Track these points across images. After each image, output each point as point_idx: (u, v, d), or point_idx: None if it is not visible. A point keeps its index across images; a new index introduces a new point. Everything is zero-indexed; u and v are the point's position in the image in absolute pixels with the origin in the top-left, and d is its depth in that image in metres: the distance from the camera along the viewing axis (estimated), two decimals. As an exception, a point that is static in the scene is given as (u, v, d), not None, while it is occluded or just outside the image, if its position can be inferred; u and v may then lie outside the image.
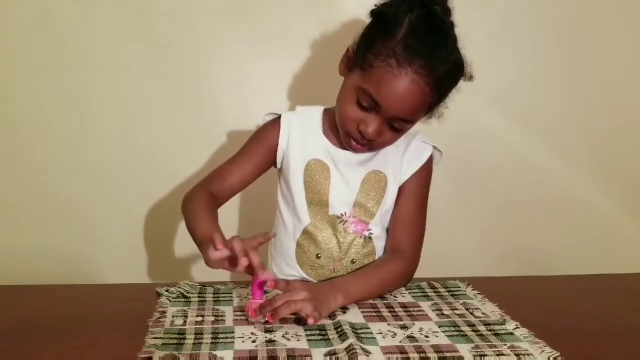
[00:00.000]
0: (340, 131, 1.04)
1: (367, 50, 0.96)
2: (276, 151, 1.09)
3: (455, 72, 0.98)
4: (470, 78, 1.01)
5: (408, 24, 0.93)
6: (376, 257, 1.08)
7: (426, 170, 1.10)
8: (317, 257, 1.07)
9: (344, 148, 1.07)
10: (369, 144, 1.01)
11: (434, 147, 1.10)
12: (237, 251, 0.83)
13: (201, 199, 1.04)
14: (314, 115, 1.11)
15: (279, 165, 1.11)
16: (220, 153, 1.45)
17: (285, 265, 1.10)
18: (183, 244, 1.49)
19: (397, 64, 0.92)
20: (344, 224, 1.07)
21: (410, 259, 1.05)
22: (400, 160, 1.08)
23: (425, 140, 1.10)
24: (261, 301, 0.85)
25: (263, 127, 1.12)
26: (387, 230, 1.10)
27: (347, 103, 0.99)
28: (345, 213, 1.07)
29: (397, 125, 0.98)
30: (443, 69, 0.94)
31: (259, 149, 1.10)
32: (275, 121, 1.10)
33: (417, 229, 1.08)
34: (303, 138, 1.08)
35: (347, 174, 1.07)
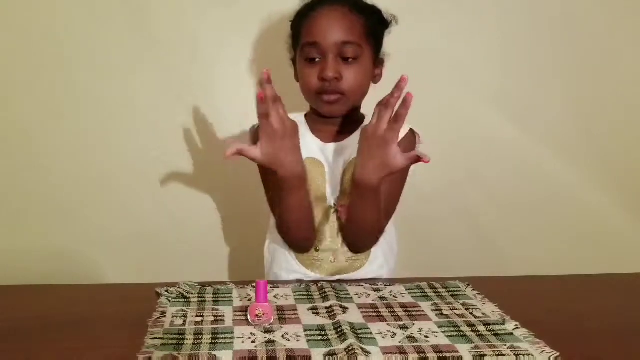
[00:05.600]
0: (312, 100, 1.11)
1: (294, 31, 1.13)
2: None
3: (367, 4, 1.11)
4: (396, 21, 1.15)
5: None
6: None
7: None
8: (316, 250, 1.09)
9: (330, 141, 1.12)
10: (339, 89, 1.07)
11: (411, 130, 1.13)
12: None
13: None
14: (298, 119, 1.13)
15: None
16: (220, 152, 1.45)
17: (285, 263, 1.11)
18: (183, 244, 1.49)
19: (313, 10, 1.08)
20: (337, 214, 1.10)
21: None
22: None
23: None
24: (266, 304, 0.84)
25: None
26: None
27: (303, 72, 1.09)
28: (336, 204, 1.10)
29: (348, 55, 1.05)
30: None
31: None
32: None
33: (391, 201, 1.12)
34: None
35: (335, 165, 1.12)
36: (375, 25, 1.12)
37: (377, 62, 1.14)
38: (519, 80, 1.49)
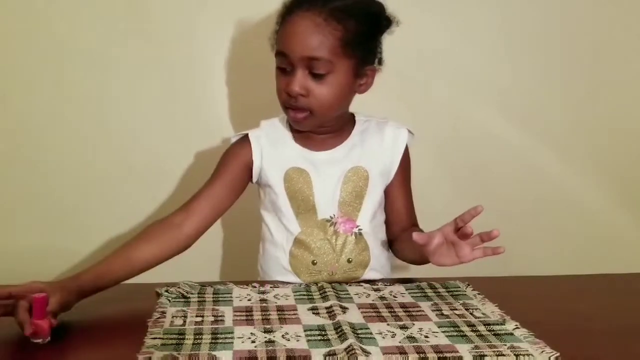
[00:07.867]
0: (283, 111, 1.05)
1: (277, 26, 1.04)
2: (250, 169, 1.09)
3: (356, 5, 0.99)
4: (397, 22, 1.05)
5: None
6: (370, 252, 1.09)
7: (406, 153, 1.14)
8: (313, 263, 1.07)
9: (320, 150, 1.08)
10: (306, 106, 1.01)
11: (408, 130, 1.13)
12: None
13: (145, 231, 1.02)
14: (280, 125, 1.11)
15: (254, 180, 1.11)
16: (220, 151, 1.45)
17: (280, 276, 1.09)
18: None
19: (287, 14, 1.00)
20: (334, 226, 1.07)
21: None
22: (379, 150, 1.10)
23: (397, 125, 1.13)
24: (42, 321, 0.78)
25: (231, 149, 1.11)
26: (386, 221, 1.14)
27: (276, 79, 1.03)
28: (334, 215, 1.08)
29: (316, 71, 0.98)
30: (336, 2, 0.97)
31: (230, 170, 1.09)
32: (244, 140, 1.09)
33: (412, 205, 1.16)
34: (276, 150, 1.08)
35: (327, 175, 1.08)
36: (362, 34, 1.00)
37: (362, 72, 1.03)
38: (521, 81, 1.48)
